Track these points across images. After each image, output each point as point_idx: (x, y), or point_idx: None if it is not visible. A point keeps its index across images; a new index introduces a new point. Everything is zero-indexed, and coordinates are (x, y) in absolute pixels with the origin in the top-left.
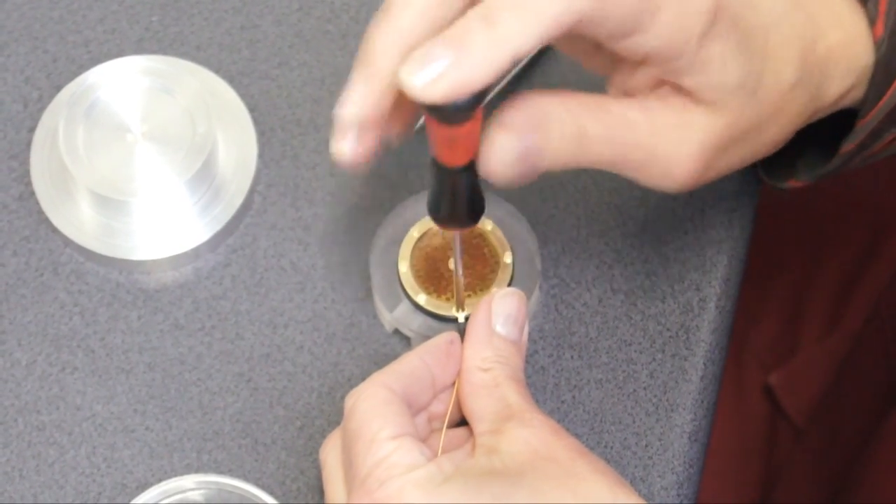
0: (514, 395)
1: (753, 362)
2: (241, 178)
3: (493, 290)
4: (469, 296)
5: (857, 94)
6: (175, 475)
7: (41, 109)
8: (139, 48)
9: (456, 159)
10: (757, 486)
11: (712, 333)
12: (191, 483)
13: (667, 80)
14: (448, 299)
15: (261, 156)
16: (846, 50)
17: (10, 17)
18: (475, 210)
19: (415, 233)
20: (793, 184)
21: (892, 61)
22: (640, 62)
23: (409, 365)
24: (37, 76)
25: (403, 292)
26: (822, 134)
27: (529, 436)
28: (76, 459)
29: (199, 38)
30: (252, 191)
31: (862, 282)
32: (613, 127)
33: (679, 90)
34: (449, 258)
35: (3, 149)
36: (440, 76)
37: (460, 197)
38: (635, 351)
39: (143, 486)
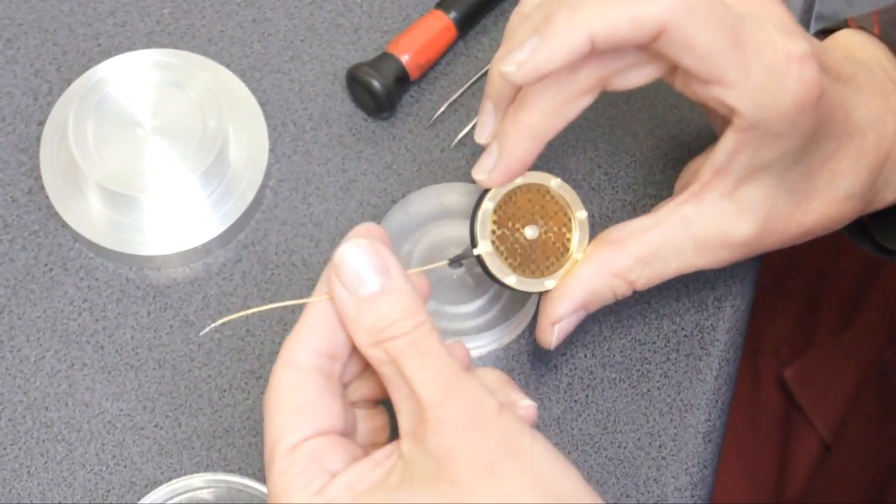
0: (422, 379)
1: (769, 355)
2: (253, 173)
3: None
4: (552, 262)
5: None
6: (184, 473)
7: (51, 103)
8: (150, 41)
9: None
10: (771, 479)
11: (727, 332)
12: (200, 482)
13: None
14: (533, 273)
15: (272, 151)
16: None
17: (20, 10)
18: None
19: (489, 205)
20: None
21: None
22: (725, 116)
23: (317, 315)
24: (47, 69)
25: (489, 276)
26: None
27: (444, 444)
28: (85, 457)
29: (210, 32)
30: (263, 186)
31: (878, 276)
32: (659, 265)
33: (723, 182)
34: (523, 226)
35: (13, 142)
36: (528, 58)
37: None
38: (649, 350)
39: (152, 484)
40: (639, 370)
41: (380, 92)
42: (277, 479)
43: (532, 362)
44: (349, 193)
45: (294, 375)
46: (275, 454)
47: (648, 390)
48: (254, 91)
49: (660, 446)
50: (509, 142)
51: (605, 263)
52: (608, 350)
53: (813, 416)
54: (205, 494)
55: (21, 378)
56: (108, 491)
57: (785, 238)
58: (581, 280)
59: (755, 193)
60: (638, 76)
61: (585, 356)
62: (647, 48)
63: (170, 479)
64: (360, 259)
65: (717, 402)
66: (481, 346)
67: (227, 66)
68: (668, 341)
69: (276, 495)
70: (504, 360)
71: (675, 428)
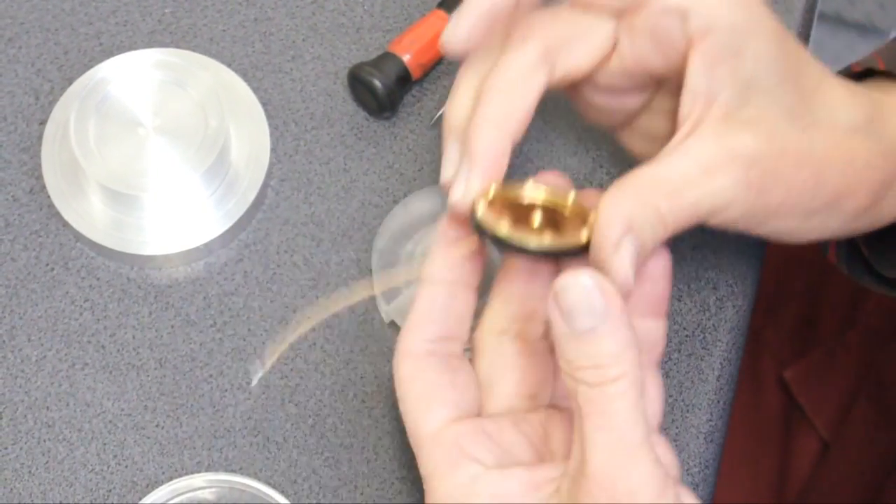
0: (595, 442)
1: (769, 357)
2: (254, 172)
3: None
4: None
5: None
6: (185, 473)
7: (52, 102)
8: (151, 41)
9: None
10: (772, 481)
11: (729, 333)
12: (201, 481)
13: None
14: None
15: (274, 150)
16: None
17: (21, 9)
18: None
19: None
20: None
21: None
22: (687, 42)
23: (424, 305)
24: (48, 69)
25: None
26: None
27: None
28: (86, 456)
29: (211, 31)
30: (265, 185)
31: None
32: (676, 197)
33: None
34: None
35: (14, 142)
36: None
37: None
38: None
39: (153, 484)
40: None
41: (381, 91)
42: (426, 463)
43: None
44: (351, 193)
45: (411, 365)
46: (420, 441)
47: None
48: (255, 90)
49: None
50: (475, 143)
51: (629, 189)
52: None
53: (813, 416)
54: (206, 494)
55: (22, 378)
56: (110, 490)
57: (801, 167)
58: (615, 201)
59: (751, 112)
60: (585, 48)
61: None
62: None
63: (171, 478)
64: (579, 294)
65: (718, 402)
66: None
67: (229, 65)
68: (670, 341)
69: (427, 478)
70: None
71: (677, 428)
